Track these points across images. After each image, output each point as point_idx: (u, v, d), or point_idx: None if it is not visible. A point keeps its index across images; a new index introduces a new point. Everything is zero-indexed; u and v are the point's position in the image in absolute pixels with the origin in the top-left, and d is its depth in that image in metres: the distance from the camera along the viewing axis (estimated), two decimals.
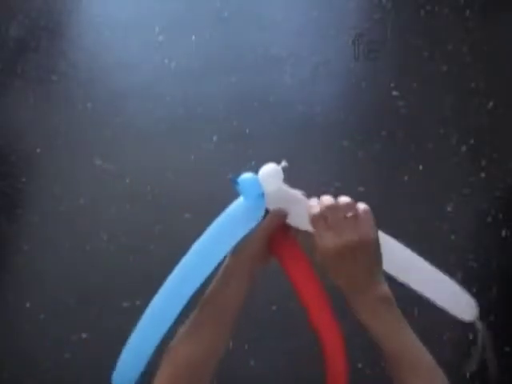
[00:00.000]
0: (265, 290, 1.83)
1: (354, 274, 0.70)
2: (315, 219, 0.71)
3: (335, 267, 0.71)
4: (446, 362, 0.72)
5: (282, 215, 0.77)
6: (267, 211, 0.77)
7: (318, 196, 0.75)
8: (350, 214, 0.70)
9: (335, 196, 0.73)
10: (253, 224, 0.75)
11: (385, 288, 0.70)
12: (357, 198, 0.73)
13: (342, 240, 0.69)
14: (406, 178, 1.95)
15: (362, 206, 0.72)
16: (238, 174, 0.76)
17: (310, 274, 0.77)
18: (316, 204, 0.72)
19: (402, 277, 0.76)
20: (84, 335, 1.86)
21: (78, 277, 1.96)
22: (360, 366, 1.74)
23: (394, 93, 2.09)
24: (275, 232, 0.77)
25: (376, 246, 0.71)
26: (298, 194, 0.77)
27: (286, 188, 0.77)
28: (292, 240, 0.79)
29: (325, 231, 0.70)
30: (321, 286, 0.77)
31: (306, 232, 0.74)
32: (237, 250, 0.77)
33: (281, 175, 0.76)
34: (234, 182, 0.75)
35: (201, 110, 2.15)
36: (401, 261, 0.77)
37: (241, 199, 0.76)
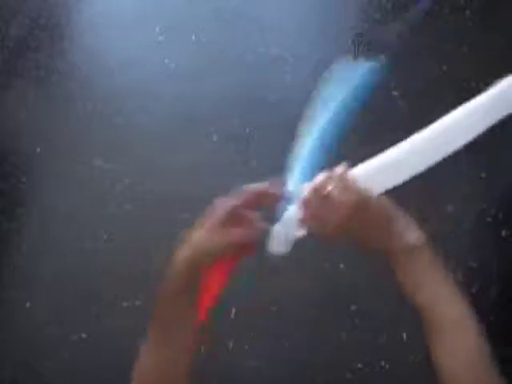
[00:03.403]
0: (265, 290, 1.83)
1: (372, 235, 0.67)
2: (303, 221, 0.70)
3: (354, 240, 0.69)
4: None
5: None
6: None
7: None
8: (325, 192, 0.67)
9: None
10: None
11: (412, 233, 0.67)
12: None
13: (331, 223, 0.67)
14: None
15: (336, 172, 0.70)
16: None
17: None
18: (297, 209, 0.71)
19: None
20: (84, 335, 1.86)
21: (77, 277, 1.96)
22: (360, 366, 1.74)
23: (394, 93, 2.09)
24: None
25: (366, 201, 0.68)
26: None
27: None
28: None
29: (316, 225, 0.69)
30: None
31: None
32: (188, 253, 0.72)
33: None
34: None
35: (201, 109, 2.15)
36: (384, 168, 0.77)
37: None
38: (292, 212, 0.72)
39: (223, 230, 0.68)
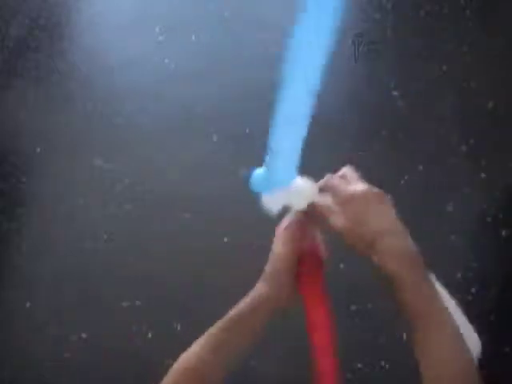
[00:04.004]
0: None
1: (387, 219, 0.68)
2: (329, 181, 0.73)
3: (365, 216, 0.69)
4: None
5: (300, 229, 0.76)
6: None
7: None
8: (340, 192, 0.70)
9: None
10: None
11: (411, 243, 0.68)
12: None
13: (362, 185, 0.70)
14: (406, 177, 1.95)
15: (341, 174, 0.73)
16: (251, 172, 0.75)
17: (326, 321, 0.79)
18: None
19: None
20: (84, 335, 1.86)
21: (77, 277, 1.96)
22: (360, 366, 1.74)
23: (394, 93, 2.09)
24: (306, 271, 0.78)
25: (371, 196, 0.70)
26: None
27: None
28: (319, 281, 0.79)
29: (344, 183, 0.71)
30: (332, 335, 0.78)
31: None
32: (267, 278, 0.77)
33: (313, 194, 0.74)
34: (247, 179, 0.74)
35: (201, 109, 2.15)
36: None
37: None
38: (299, 183, 0.73)
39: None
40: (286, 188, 0.72)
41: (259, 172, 0.73)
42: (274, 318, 0.77)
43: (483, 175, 1.95)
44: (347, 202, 0.69)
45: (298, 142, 0.70)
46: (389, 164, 1.99)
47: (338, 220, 0.69)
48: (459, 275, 1.78)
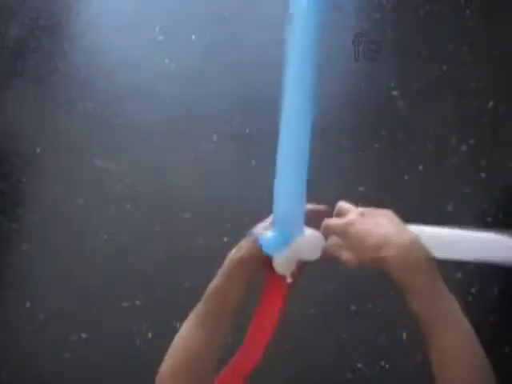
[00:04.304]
0: None
1: (383, 229, 0.70)
2: (327, 222, 0.76)
3: (362, 235, 0.71)
4: None
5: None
6: None
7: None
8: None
9: (334, 198, 0.74)
10: None
11: (424, 248, 0.69)
12: (357, 198, 0.74)
13: (357, 211, 0.74)
14: (406, 177, 1.95)
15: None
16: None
17: (273, 314, 0.79)
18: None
19: (451, 254, 0.76)
20: (84, 335, 1.86)
21: (77, 276, 1.96)
22: (360, 366, 1.74)
23: (394, 93, 2.09)
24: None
25: (392, 215, 0.74)
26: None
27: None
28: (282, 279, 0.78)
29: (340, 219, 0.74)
30: (272, 328, 0.80)
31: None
32: (241, 249, 0.78)
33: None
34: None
35: (201, 109, 2.15)
36: (443, 241, 0.79)
37: None
38: (308, 237, 0.75)
39: None
40: (295, 245, 0.74)
41: (269, 235, 0.75)
42: (249, 285, 0.78)
43: (483, 175, 1.95)
44: (346, 233, 0.72)
45: (302, 192, 0.74)
46: (389, 164, 1.98)
47: (348, 256, 0.72)
48: (459, 275, 1.78)
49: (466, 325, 0.66)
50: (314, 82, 0.71)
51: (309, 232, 0.75)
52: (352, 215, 0.73)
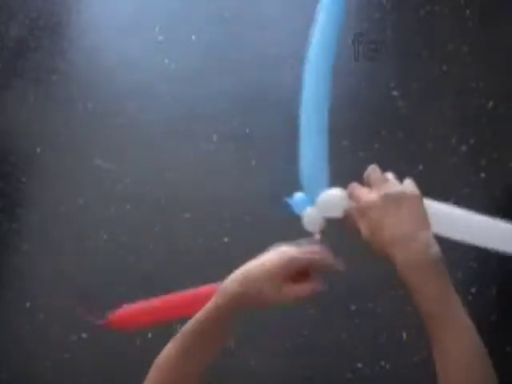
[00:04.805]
0: None
1: (403, 227, 0.68)
2: (354, 188, 0.75)
3: (382, 224, 0.69)
4: None
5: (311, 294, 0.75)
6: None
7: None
8: (389, 176, 0.74)
9: None
10: None
11: (436, 248, 0.68)
12: None
13: (383, 191, 0.71)
14: (405, 177, 1.95)
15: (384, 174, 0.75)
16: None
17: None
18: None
19: (455, 234, 0.77)
20: (84, 335, 1.86)
21: (77, 277, 1.96)
22: (360, 365, 1.74)
23: (394, 93, 2.09)
24: None
25: (419, 199, 0.72)
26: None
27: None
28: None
29: (366, 192, 0.73)
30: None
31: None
32: (247, 291, 0.73)
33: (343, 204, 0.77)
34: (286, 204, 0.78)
35: (201, 109, 2.15)
36: (449, 219, 0.78)
37: None
38: (332, 195, 0.77)
39: (291, 286, 0.72)
40: (319, 202, 0.78)
41: (297, 196, 0.79)
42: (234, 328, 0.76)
43: (483, 175, 1.95)
44: (366, 211, 0.71)
45: (323, 150, 0.78)
46: (389, 164, 1.98)
47: (365, 230, 0.71)
48: (459, 275, 1.78)
49: (470, 326, 0.66)
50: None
51: (333, 190, 0.78)
52: (375, 195, 0.71)
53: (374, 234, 0.70)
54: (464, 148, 1.99)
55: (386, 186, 0.72)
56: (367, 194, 0.72)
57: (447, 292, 0.67)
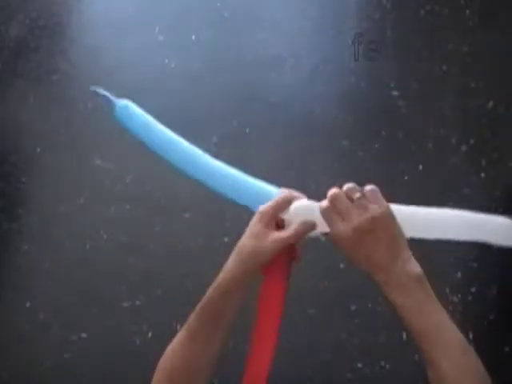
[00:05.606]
0: None
1: (378, 253, 0.68)
2: (325, 213, 0.72)
3: (357, 252, 0.70)
4: None
5: (309, 226, 0.74)
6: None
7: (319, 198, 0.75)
8: (356, 196, 0.70)
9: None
10: None
11: (414, 264, 0.68)
12: None
13: (354, 223, 0.69)
14: (405, 178, 1.95)
15: (367, 187, 0.72)
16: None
17: (277, 308, 0.80)
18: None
19: (431, 234, 0.76)
20: (84, 335, 1.86)
21: (77, 277, 1.96)
22: (360, 365, 1.74)
23: (394, 93, 2.09)
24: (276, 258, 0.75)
25: (391, 218, 0.70)
26: (312, 203, 0.76)
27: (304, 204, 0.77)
28: (284, 266, 0.78)
29: (336, 220, 0.71)
30: (277, 325, 0.81)
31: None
32: (246, 258, 0.75)
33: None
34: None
35: (200, 109, 2.15)
36: (423, 220, 0.76)
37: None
38: (307, 206, 0.75)
39: (271, 234, 0.74)
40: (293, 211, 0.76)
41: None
42: (243, 299, 0.77)
43: (483, 175, 1.95)
44: (340, 242, 0.71)
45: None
46: (389, 164, 1.99)
47: (340, 227, 0.70)
48: (459, 275, 1.78)
49: (459, 340, 0.66)
50: None
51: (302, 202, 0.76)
52: (347, 228, 0.70)
53: (351, 258, 0.71)
54: (464, 148, 1.99)
55: (355, 216, 0.70)
56: (340, 224, 0.70)
57: (430, 306, 0.68)
